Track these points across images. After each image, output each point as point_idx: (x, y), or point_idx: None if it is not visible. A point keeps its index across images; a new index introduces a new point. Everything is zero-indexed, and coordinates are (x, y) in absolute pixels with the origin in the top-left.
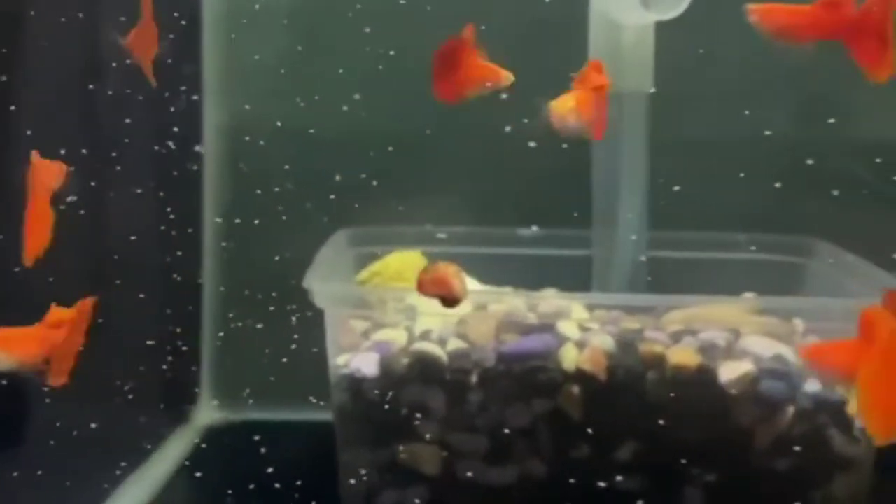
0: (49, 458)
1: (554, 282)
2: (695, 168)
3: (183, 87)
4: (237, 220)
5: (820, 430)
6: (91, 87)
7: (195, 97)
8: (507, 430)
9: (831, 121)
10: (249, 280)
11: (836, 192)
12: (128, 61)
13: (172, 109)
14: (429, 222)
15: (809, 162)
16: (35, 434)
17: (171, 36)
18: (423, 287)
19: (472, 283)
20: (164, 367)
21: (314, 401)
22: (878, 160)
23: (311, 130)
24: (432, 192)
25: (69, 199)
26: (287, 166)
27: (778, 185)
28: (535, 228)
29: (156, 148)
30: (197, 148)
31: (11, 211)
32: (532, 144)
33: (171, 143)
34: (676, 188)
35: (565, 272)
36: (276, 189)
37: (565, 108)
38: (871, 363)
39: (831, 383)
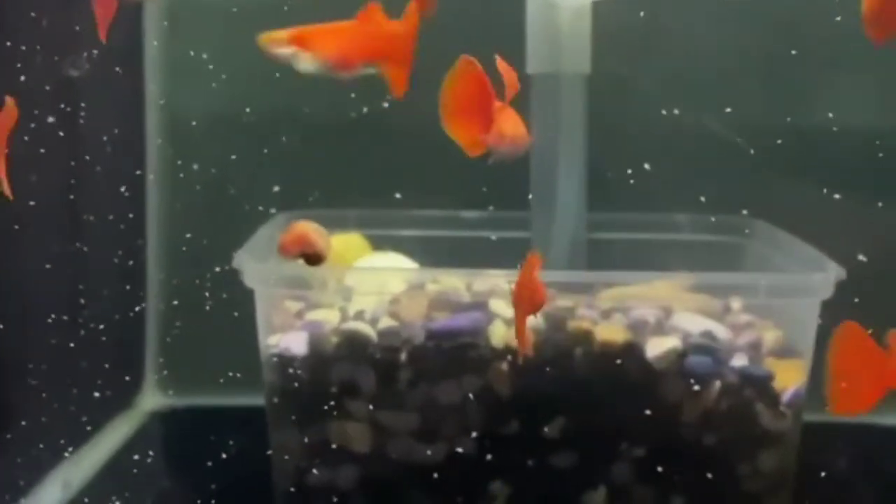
0: None
1: (495, 264)
2: (631, 150)
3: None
4: (178, 206)
5: (747, 404)
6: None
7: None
8: (436, 407)
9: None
10: (191, 264)
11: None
12: None
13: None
14: (369, 206)
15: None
16: None
17: None
18: (285, 248)
19: (410, 265)
20: (109, 351)
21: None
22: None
23: (248, 110)
24: (373, 175)
25: None
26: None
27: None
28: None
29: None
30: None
31: None
32: None
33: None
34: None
35: (506, 255)
36: (213, 171)
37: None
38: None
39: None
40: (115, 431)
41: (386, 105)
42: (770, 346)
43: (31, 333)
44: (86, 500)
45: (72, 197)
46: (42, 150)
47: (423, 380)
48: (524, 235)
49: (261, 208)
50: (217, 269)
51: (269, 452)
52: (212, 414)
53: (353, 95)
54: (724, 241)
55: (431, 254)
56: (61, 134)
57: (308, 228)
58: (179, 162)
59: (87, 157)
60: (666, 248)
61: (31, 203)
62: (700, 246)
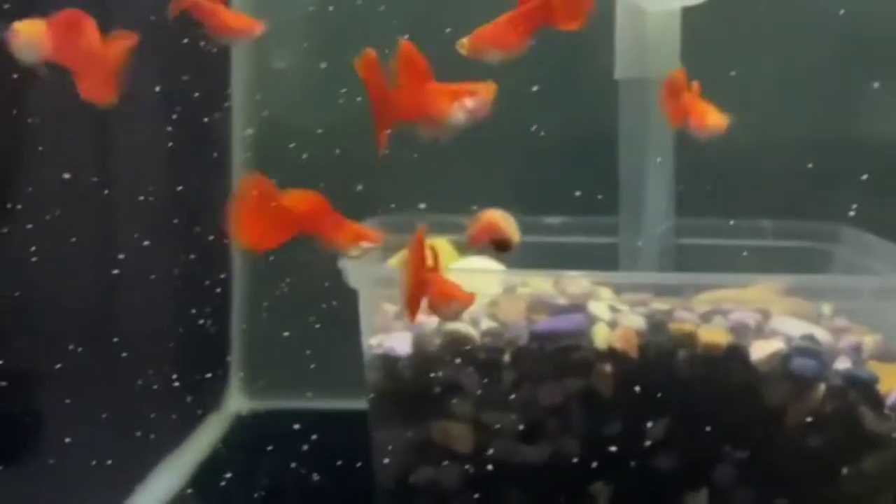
0: (82, 444)
1: (580, 270)
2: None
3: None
4: None
5: (851, 407)
6: None
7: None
8: (539, 408)
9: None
10: (278, 270)
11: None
12: None
13: None
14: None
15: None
16: (68, 421)
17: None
18: (475, 238)
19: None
20: (195, 355)
21: (344, 388)
22: None
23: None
24: (460, 181)
25: None
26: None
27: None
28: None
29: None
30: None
31: None
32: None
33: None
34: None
35: (592, 260)
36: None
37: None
38: None
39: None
40: (205, 433)
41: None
42: (871, 350)
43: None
44: (188, 494)
45: (168, 204)
46: (144, 154)
47: (527, 380)
48: (605, 241)
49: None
50: (291, 277)
51: (371, 452)
52: (297, 416)
53: None
54: (812, 246)
55: (517, 259)
56: (164, 131)
57: (496, 216)
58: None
59: (180, 163)
60: (753, 254)
61: (139, 208)
62: (787, 251)
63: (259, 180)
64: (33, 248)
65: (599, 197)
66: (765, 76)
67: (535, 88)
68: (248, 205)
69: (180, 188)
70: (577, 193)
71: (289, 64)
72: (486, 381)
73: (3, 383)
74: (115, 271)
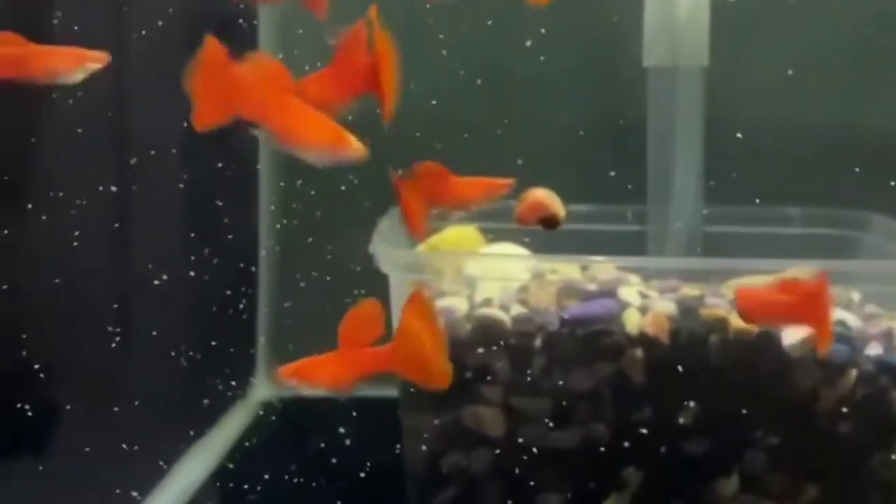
0: (111, 431)
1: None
2: (748, 144)
3: None
4: (293, 206)
5: (882, 392)
6: None
7: None
8: (570, 394)
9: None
10: (304, 258)
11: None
12: None
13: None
14: None
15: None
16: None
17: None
18: (523, 216)
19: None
20: (222, 342)
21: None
22: None
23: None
24: (488, 170)
25: None
26: None
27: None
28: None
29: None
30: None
31: None
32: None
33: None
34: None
35: (620, 248)
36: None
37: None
38: None
39: None
40: (231, 420)
41: None
42: None
43: (148, 325)
44: (217, 483)
45: (191, 193)
46: (166, 141)
47: (557, 366)
48: (633, 229)
49: (367, 204)
50: (321, 262)
51: (401, 438)
52: (324, 404)
53: None
54: (840, 234)
55: (543, 246)
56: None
57: (542, 194)
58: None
59: (204, 155)
60: (781, 241)
61: (159, 198)
62: (816, 239)
63: (215, 48)
64: (62, 240)
65: (629, 186)
66: (793, 62)
67: (564, 76)
68: (203, 73)
69: (208, 173)
70: (609, 179)
71: None
72: (517, 366)
73: (35, 370)
74: (143, 260)
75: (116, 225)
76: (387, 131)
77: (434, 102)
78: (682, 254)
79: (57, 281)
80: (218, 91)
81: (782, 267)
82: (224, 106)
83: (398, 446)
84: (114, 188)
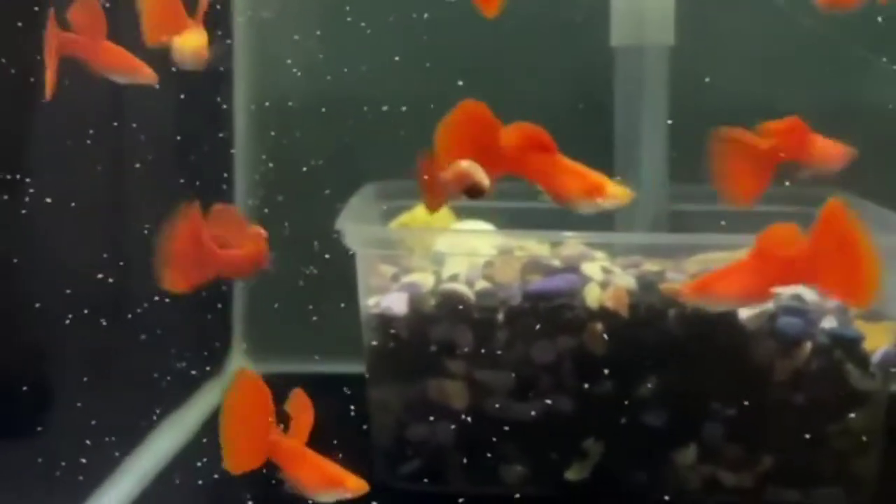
0: (83, 404)
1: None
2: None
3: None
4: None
5: (836, 365)
6: None
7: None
8: (532, 367)
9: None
10: (277, 234)
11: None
12: None
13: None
14: None
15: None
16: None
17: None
18: (448, 185)
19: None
20: (197, 318)
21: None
22: None
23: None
24: None
25: None
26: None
27: None
28: None
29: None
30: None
31: None
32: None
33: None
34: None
35: (588, 225)
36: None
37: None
38: None
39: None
40: (205, 396)
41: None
42: (858, 310)
43: (126, 301)
44: (187, 459)
45: (163, 169)
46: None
47: (520, 339)
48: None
49: (341, 180)
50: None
51: (369, 410)
52: (296, 380)
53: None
54: (807, 212)
55: (511, 224)
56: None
57: (465, 164)
58: (272, 132)
59: (182, 134)
60: (746, 219)
61: (133, 176)
62: (782, 217)
63: (193, 214)
64: (44, 221)
65: (596, 165)
66: (762, 43)
67: (531, 55)
68: (179, 239)
69: (188, 160)
70: (576, 157)
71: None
72: (480, 340)
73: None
74: (120, 239)
75: (96, 208)
76: None
77: (398, 82)
78: (649, 230)
79: (29, 265)
80: (193, 258)
81: (743, 242)
82: (197, 272)
83: (366, 421)
84: (98, 175)
